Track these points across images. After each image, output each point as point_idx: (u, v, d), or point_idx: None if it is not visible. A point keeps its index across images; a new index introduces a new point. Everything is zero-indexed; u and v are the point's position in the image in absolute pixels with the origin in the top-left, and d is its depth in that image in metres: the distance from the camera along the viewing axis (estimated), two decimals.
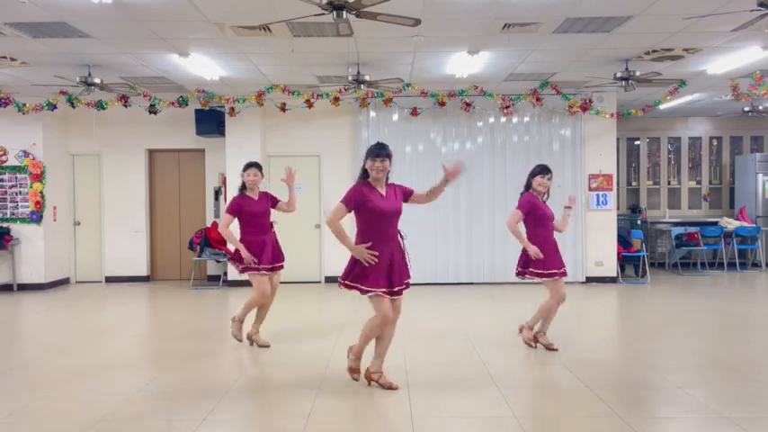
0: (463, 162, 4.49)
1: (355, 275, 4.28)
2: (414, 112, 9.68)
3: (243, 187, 5.71)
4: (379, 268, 4.23)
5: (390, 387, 4.46)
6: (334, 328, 6.64)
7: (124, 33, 6.42)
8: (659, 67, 7.93)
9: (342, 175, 10.13)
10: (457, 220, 9.92)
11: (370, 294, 4.26)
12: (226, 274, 10.00)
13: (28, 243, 9.72)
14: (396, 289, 4.31)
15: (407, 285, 4.43)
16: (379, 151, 4.28)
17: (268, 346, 5.76)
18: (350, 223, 4.33)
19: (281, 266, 5.82)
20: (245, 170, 5.73)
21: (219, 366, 5.29)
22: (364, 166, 4.34)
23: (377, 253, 4.22)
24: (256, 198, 5.70)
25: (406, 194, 4.50)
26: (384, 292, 4.25)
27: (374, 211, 4.24)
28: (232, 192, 9.70)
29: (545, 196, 5.61)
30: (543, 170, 5.53)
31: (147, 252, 10.48)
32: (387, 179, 4.39)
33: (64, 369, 5.14)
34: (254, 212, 5.64)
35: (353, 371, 4.59)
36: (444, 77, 8.66)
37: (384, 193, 4.33)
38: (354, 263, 4.30)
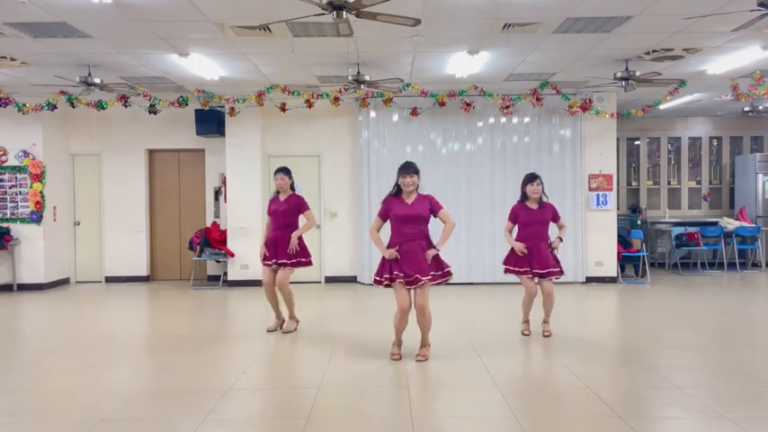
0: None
1: (379, 271, 5.17)
2: (414, 112, 9.68)
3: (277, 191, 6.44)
4: (393, 262, 5.05)
5: (419, 358, 5.22)
6: (335, 328, 6.64)
7: (124, 33, 6.42)
8: (659, 67, 7.93)
9: (342, 176, 10.15)
10: (457, 220, 9.86)
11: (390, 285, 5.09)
12: (226, 274, 10.00)
13: (28, 243, 9.72)
14: (407, 279, 5.00)
15: (422, 281, 5.03)
16: (408, 169, 5.14)
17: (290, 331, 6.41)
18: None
19: (284, 264, 6.27)
20: (275, 174, 6.39)
21: (219, 366, 5.30)
22: (397, 181, 5.19)
23: (396, 251, 5.10)
24: (282, 199, 6.35)
25: (434, 208, 5.20)
26: (389, 279, 5.04)
27: (394, 217, 5.15)
28: (232, 192, 9.77)
29: (543, 198, 6.15)
30: (532, 178, 6.11)
31: (147, 252, 10.48)
32: (416, 190, 5.19)
33: (64, 369, 5.15)
34: (272, 211, 6.34)
35: (394, 354, 5.31)
36: (444, 77, 8.66)
37: (410, 203, 5.15)
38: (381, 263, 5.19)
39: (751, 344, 5.96)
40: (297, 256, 6.24)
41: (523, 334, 6.22)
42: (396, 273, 5.02)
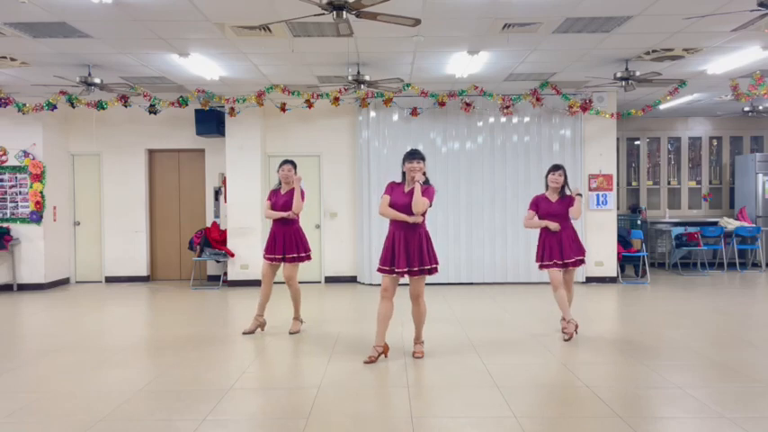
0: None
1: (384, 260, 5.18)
2: (414, 112, 9.68)
3: (279, 182, 6.42)
4: (386, 251, 5.14)
5: (417, 355, 5.30)
6: (334, 328, 6.64)
7: (124, 33, 6.42)
8: (659, 67, 7.93)
9: (342, 175, 10.15)
10: (457, 219, 9.92)
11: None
12: (226, 274, 10.00)
13: (28, 243, 9.72)
14: (397, 270, 5.03)
15: (419, 272, 5.09)
16: (414, 155, 5.14)
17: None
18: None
19: (290, 258, 6.26)
20: (279, 166, 6.39)
21: (219, 366, 5.30)
22: (403, 168, 5.18)
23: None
24: (283, 193, 6.33)
25: (426, 196, 5.11)
26: (386, 270, 5.10)
27: (392, 206, 5.14)
28: (232, 192, 9.77)
29: (564, 191, 6.11)
30: (554, 168, 6.12)
31: (147, 252, 10.49)
32: (425, 181, 5.09)
33: (64, 369, 5.15)
34: (274, 204, 6.30)
35: (373, 356, 5.22)
36: (444, 77, 8.66)
37: (407, 191, 5.13)
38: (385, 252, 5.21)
39: (751, 344, 5.96)
40: (304, 250, 6.29)
41: (564, 333, 5.96)
42: (399, 270, 5.04)
